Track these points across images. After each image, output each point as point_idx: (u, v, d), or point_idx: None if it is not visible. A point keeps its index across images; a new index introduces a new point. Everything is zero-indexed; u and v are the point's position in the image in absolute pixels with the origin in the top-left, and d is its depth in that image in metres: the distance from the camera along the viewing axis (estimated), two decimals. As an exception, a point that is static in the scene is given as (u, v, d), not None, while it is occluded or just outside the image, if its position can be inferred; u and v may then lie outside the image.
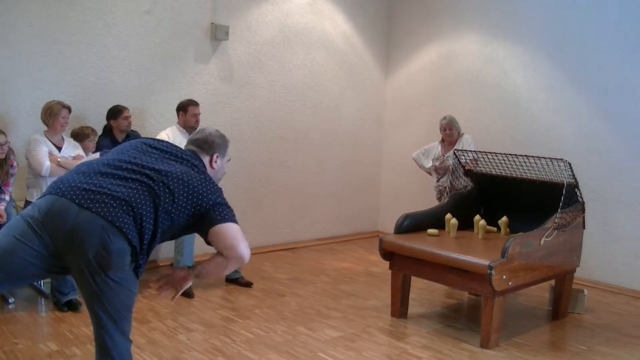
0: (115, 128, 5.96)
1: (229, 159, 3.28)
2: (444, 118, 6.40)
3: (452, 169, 6.00)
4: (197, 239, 5.91)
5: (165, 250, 6.70)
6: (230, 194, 6.72)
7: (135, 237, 2.66)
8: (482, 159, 5.68)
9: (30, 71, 5.80)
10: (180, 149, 3.05)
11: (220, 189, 2.93)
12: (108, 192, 2.68)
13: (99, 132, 5.94)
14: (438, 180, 6.40)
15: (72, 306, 5.18)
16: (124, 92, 6.32)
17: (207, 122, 6.56)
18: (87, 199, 2.65)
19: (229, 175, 6.96)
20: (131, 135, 6.07)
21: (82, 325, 4.85)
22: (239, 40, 7.20)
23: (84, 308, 5.20)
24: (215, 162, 3.12)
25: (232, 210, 2.87)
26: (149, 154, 2.91)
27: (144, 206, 2.69)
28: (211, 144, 3.12)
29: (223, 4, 6.99)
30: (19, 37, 5.72)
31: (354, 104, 8.47)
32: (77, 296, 5.27)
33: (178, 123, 6.00)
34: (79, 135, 5.61)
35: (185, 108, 5.95)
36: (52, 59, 5.91)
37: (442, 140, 6.48)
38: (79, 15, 6.03)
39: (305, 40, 7.83)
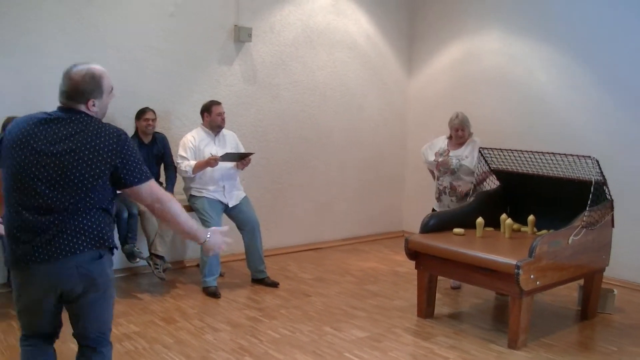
0: (138, 129, 6.03)
1: (111, 90, 3.06)
2: (456, 117, 6.05)
3: (454, 169, 5.95)
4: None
5: (191, 251, 6.74)
6: (255, 194, 6.81)
7: None
8: (507, 157, 5.62)
9: (60, 75, 5.85)
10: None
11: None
12: None
13: (130, 133, 5.99)
14: (438, 179, 6.18)
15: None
16: (149, 95, 6.36)
17: (232, 123, 6.58)
18: None
19: (253, 174, 7.01)
20: (157, 138, 6.12)
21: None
22: (262, 42, 7.22)
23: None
24: (94, 105, 2.94)
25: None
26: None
27: None
28: (82, 92, 2.91)
29: (246, 6, 7.01)
30: (49, 42, 5.79)
31: (377, 104, 8.45)
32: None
33: (203, 125, 6.03)
34: None
35: (209, 109, 5.98)
36: (80, 62, 5.95)
37: (450, 137, 6.20)
38: (105, 20, 6.09)
39: (328, 41, 7.82)
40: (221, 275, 6.11)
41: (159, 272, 5.84)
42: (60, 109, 2.95)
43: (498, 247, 4.94)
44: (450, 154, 6.05)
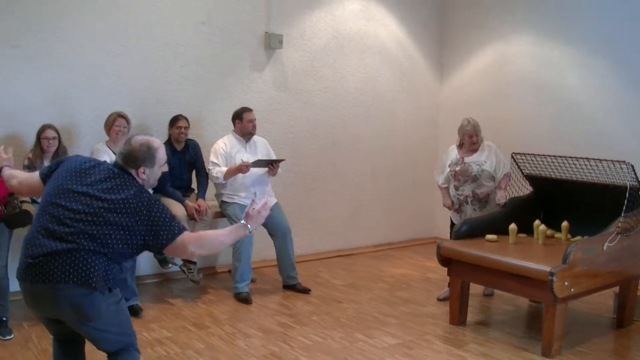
0: (171, 136, 6.08)
1: (163, 163, 3.30)
2: (468, 123, 5.82)
3: (476, 176, 5.75)
4: (255, 245, 5.97)
5: (223, 257, 6.77)
6: (287, 200, 6.82)
7: None
8: (540, 162, 5.56)
9: (90, 82, 5.95)
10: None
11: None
12: None
13: (162, 140, 6.04)
14: (457, 189, 5.87)
15: (133, 311, 5.26)
16: (181, 102, 6.43)
17: (263, 130, 6.61)
18: None
19: (284, 181, 7.03)
20: (189, 145, 6.18)
21: (143, 330, 4.93)
22: (293, 48, 7.25)
23: (145, 313, 5.32)
24: (144, 173, 3.17)
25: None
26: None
27: None
28: (135, 159, 3.15)
29: (277, 13, 7.05)
30: (77, 50, 5.88)
31: (408, 109, 8.42)
32: (138, 302, 5.37)
33: (234, 131, 6.06)
34: None
35: (241, 115, 6.01)
36: (110, 70, 6.05)
37: (460, 145, 5.93)
38: (136, 28, 6.18)
39: (359, 46, 7.82)
40: (252, 281, 6.14)
41: (193, 276, 5.88)
42: (115, 164, 3.20)
43: (531, 253, 4.88)
44: (467, 160, 5.84)
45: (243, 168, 5.75)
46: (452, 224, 5.99)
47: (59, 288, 2.88)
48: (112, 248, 2.95)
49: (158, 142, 3.25)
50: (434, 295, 6.05)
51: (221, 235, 3.22)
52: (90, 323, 2.98)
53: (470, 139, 5.82)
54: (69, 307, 2.91)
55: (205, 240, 3.17)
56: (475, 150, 5.87)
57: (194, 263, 5.92)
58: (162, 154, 3.25)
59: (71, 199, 2.99)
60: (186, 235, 3.09)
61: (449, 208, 5.97)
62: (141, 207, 3.01)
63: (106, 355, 3.17)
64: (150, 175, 3.21)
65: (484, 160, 5.80)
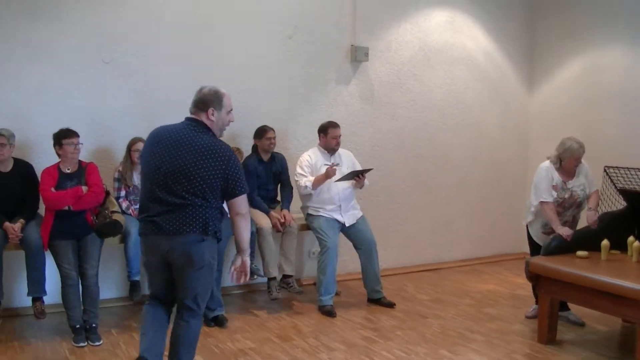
0: (259, 147, 6.15)
1: (230, 110, 3.82)
2: (580, 146, 5.29)
3: (580, 202, 5.43)
4: (340, 258, 5.98)
5: (308, 269, 6.81)
6: (372, 213, 6.81)
7: None
8: (634, 176, 5.33)
9: (179, 97, 6.10)
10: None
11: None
12: None
13: (247, 152, 6.16)
14: (560, 214, 5.38)
15: (218, 322, 5.37)
16: (268, 115, 6.50)
17: (349, 143, 6.64)
18: None
19: (371, 194, 7.02)
20: (275, 157, 6.23)
21: (227, 340, 5.02)
22: (379, 61, 7.25)
23: (230, 324, 5.40)
24: (212, 115, 3.69)
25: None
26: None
27: None
28: (204, 102, 3.70)
29: (363, 26, 7.07)
30: (168, 65, 6.07)
31: (496, 121, 8.27)
32: (223, 312, 5.45)
33: (319, 144, 6.10)
34: None
35: (326, 130, 6.04)
36: (197, 84, 6.17)
37: (559, 167, 5.43)
38: (223, 43, 6.33)
39: (446, 58, 7.75)
40: (337, 294, 6.14)
41: (294, 289, 5.93)
42: (186, 118, 3.76)
43: (625, 271, 4.70)
44: (569, 185, 5.41)
45: (330, 172, 5.76)
46: (531, 240, 5.78)
47: (175, 237, 3.55)
48: (209, 194, 3.57)
49: (224, 90, 3.80)
50: (522, 312, 5.89)
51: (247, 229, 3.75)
52: (191, 270, 3.59)
53: (576, 162, 5.37)
54: (181, 252, 3.56)
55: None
56: (573, 173, 5.47)
57: (291, 277, 5.96)
58: (228, 100, 3.78)
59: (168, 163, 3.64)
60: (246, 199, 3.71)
61: (568, 239, 5.20)
62: (222, 157, 3.58)
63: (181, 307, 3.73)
64: (218, 118, 3.72)
65: (583, 182, 5.44)
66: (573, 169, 5.42)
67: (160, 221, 3.55)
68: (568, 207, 5.47)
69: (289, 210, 6.13)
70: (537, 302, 5.73)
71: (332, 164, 5.86)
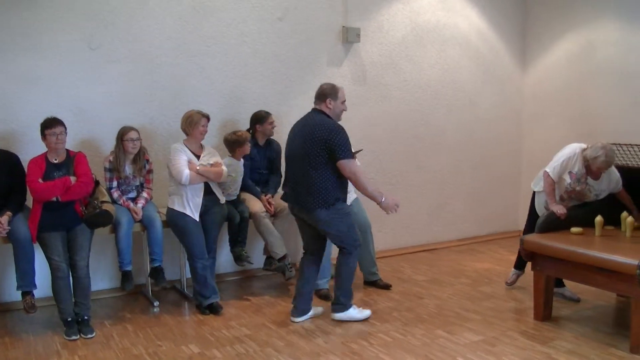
0: (259, 132, 6.11)
1: (344, 100, 5.00)
2: (606, 161, 5.05)
3: (586, 202, 5.37)
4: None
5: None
6: (365, 196, 6.74)
7: None
8: (628, 152, 5.29)
9: (170, 83, 6.06)
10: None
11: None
12: None
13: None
14: (563, 200, 5.39)
15: (213, 309, 5.35)
16: (260, 99, 6.47)
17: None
18: None
19: (365, 176, 6.93)
20: (272, 143, 6.22)
21: (222, 327, 5.01)
22: (370, 42, 7.19)
23: (225, 311, 5.37)
24: (330, 104, 4.90)
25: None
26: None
27: None
28: (324, 94, 4.93)
29: (354, 7, 7.00)
30: (158, 51, 6.01)
31: (490, 100, 8.22)
32: (218, 299, 5.43)
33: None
34: (239, 141, 5.72)
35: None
36: (189, 69, 6.15)
37: (587, 169, 5.22)
38: (214, 27, 6.25)
39: (438, 38, 7.69)
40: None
41: (290, 272, 5.91)
42: (312, 109, 5.02)
43: (619, 246, 4.69)
44: (589, 183, 5.30)
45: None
46: (532, 210, 5.71)
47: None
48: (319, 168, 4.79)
49: (339, 86, 5.01)
50: (518, 291, 5.88)
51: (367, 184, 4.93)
52: (324, 226, 4.87)
53: (598, 171, 5.19)
54: (315, 219, 4.85)
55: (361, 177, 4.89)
56: (599, 176, 5.28)
57: (285, 257, 5.90)
58: (342, 92, 4.97)
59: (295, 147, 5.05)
60: (354, 163, 4.87)
61: (562, 217, 5.21)
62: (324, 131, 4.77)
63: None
64: (334, 106, 4.92)
65: (602, 189, 5.32)
66: (599, 174, 5.25)
67: None
68: (573, 198, 5.42)
69: (273, 196, 6.10)
70: (515, 266, 5.83)
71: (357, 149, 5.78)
